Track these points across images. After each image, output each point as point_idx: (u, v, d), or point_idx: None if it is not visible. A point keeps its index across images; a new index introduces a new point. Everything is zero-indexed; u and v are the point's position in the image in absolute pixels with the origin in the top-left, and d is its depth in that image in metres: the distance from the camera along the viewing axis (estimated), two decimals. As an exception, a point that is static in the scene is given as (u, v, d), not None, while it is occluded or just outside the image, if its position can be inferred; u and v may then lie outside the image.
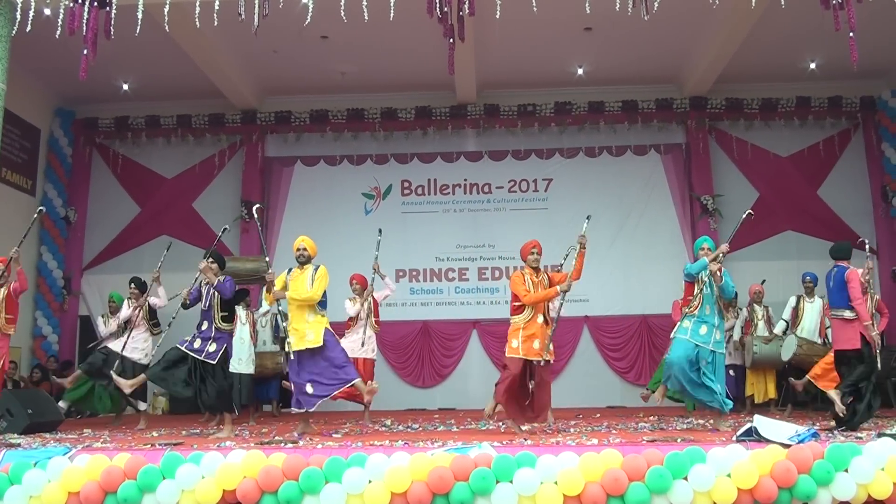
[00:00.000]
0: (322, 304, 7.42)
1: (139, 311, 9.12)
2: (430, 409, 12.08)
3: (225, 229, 8.61)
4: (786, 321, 9.49)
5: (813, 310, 9.32)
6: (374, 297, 9.29)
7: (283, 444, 6.14)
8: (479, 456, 4.80)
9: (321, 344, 7.13)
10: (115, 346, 9.04)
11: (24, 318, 12.33)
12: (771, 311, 10.12)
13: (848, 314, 7.05)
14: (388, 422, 8.76)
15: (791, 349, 8.90)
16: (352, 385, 7.17)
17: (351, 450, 5.23)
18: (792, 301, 9.43)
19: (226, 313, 7.48)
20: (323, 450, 5.43)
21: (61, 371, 12.14)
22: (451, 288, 13.01)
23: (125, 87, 12.63)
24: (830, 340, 8.39)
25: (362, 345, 9.02)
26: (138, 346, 9.03)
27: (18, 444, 6.66)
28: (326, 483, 4.70)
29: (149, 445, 6.16)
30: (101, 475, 4.79)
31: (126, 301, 9.38)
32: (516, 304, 7.27)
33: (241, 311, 9.59)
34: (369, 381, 7.59)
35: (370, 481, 4.69)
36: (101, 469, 4.82)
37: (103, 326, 9.92)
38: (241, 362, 9.44)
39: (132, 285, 9.36)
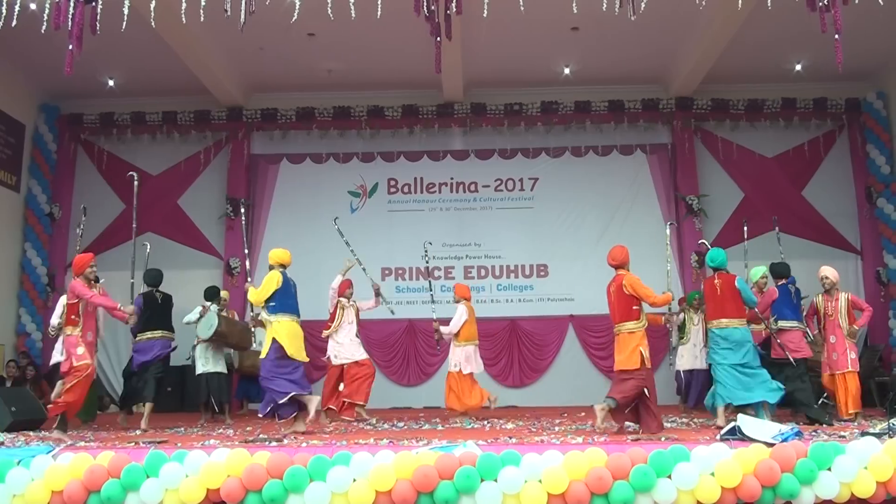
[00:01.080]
0: (274, 308, 7.31)
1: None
2: (415, 407, 12.07)
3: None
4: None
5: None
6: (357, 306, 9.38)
7: (267, 443, 6.13)
8: (463, 454, 4.80)
9: (263, 356, 7.22)
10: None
11: (8, 315, 12.25)
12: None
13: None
14: (374, 420, 8.75)
15: None
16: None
17: (335, 448, 5.21)
18: None
19: (140, 328, 8.79)
20: (307, 448, 5.42)
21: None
22: (437, 287, 12.95)
23: (111, 82, 12.54)
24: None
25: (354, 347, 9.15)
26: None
27: (2, 443, 6.64)
28: (311, 482, 4.69)
29: (132, 444, 6.13)
30: (84, 474, 4.75)
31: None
32: (635, 307, 7.13)
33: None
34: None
35: (355, 480, 4.68)
36: (84, 468, 4.79)
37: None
38: (209, 362, 9.38)
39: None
